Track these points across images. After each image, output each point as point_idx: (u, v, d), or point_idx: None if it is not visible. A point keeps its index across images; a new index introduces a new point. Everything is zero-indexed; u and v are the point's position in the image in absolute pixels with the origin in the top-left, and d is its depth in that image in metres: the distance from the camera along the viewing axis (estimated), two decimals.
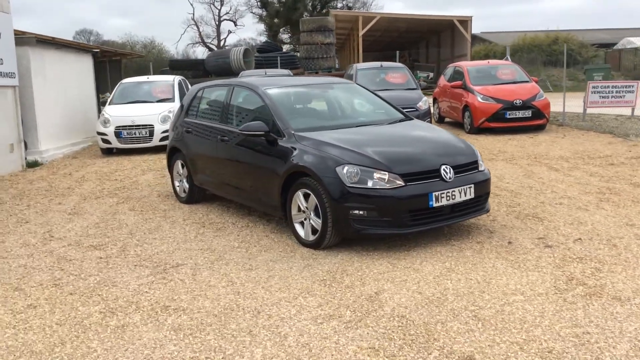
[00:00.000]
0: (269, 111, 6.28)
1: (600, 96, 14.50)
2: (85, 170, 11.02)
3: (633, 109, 14.90)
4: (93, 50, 15.81)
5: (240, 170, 6.60)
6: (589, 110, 15.02)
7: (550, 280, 4.54)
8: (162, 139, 12.61)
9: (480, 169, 5.81)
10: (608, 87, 14.61)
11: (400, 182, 5.25)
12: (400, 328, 3.80)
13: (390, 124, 6.50)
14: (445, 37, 37.60)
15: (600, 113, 15.87)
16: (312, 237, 5.64)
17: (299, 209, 5.78)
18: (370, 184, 5.26)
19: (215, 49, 74.84)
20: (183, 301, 4.44)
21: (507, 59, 17.22)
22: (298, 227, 5.82)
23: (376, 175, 5.28)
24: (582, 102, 14.83)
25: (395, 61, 17.97)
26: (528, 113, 12.84)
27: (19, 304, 4.54)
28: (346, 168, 5.33)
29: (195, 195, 7.75)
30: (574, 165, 9.31)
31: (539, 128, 13.36)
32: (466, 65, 14.44)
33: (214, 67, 21.28)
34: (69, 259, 5.66)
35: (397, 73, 13.77)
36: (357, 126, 6.29)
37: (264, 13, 67.13)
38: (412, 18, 32.76)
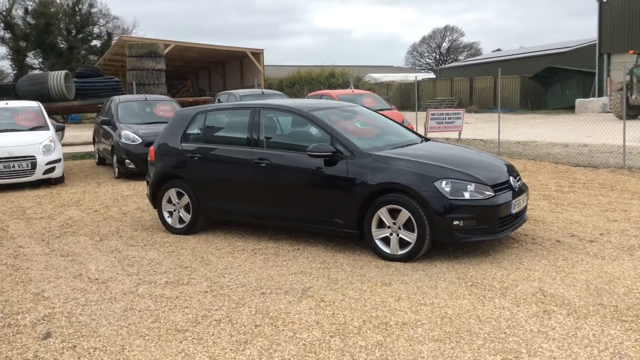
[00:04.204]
0: (326, 132, 6.40)
1: (437, 122, 16.72)
2: None
3: (460, 133, 17.42)
4: None
5: (291, 193, 6.55)
6: (428, 135, 17.15)
7: None
8: (46, 172, 11.24)
9: (521, 180, 6.73)
10: (442, 114, 16.93)
11: (490, 193, 5.89)
12: (630, 313, 4.43)
13: (422, 142, 7.09)
14: (231, 68, 38.54)
15: (432, 137, 18.19)
16: (401, 251, 5.95)
17: (379, 226, 6.05)
18: (467, 195, 5.81)
19: None
20: (390, 317, 4.50)
21: (351, 89, 18.70)
22: (379, 243, 6.07)
23: (469, 187, 5.85)
24: (424, 127, 16.88)
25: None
26: None
27: (221, 343, 4.14)
28: (444, 182, 5.81)
29: (197, 225, 7.36)
30: None
31: None
32: (335, 93, 15.47)
33: (28, 92, 19.07)
34: (172, 297, 5.15)
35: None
36: (406, 145, 6.75)
37: (9, 35, 60.79)
38: (205, 48, 33.04)
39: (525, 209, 6.53)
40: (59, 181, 11.72)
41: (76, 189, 11.16)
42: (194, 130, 7.42)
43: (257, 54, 33.26)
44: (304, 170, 6.41)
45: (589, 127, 17.83)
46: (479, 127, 22.80)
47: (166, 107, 13.53)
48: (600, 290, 4.93)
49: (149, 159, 7.83)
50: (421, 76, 61.33)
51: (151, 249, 6.79)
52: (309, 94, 16.99)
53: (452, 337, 4.11)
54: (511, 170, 6.51)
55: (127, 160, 11.87)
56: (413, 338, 4.11)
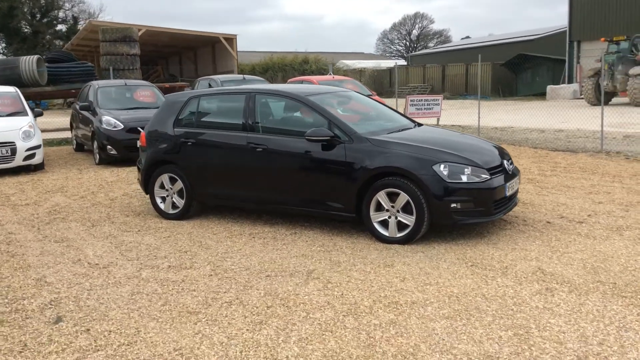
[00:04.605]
0: (323, 117, 6.44)
1: (416, 108, 16.84)
2: None
3: (438, 119, 17.61)
4: None
5: (289, 178, 6.59)
6: None
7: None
8: (26, 158, 11.05)
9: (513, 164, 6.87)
10: (421, 100, 17.07)
11: (486, 176, 6.02)
12: (628, 289, 4.59)
13: (415, 127, 7.18)
14: (203, 53, 38.14)
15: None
16: (399, 234, 6.05)
17: (377, 209, 6.14)
18: (464, 178, 5.92)
19: None
20: (399, 297, 4.60)
21: (331, 75, 18.71)
22: (378, 226, 6.16)
23: (466, 170, 5.96)
24: (403, 113, 16.99)
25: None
26: None
27: (236, 324, 4.19)
28: (442, 166, 5.91)
29: (191, 210, 7.35)
30: None
31: None
32: (316, 79, 15.48)
33: None
34: (177, 280, 5.17)
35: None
36: (401, 130, 6.84)
37: None
38: (177, 32, 32.63)
39: (517, 192, 6.68)
40: (39, 168, 11.54)
41: (58, 176, 11.00)
42: (187, 115, 7.38)
43: (231, 40, 32.99)
44: (301, 155, 6.45)
45: (563, 113, 18.19)
46: (454, 113, 23.07)
47: (146, 92, 13.39)
48: (597, 268, 5.10)
49: (139, 144, 7.76)
50: (392, 63, 61.69)
51: (146, 234, 6.77)
52: (289, 80, 16.96)
53: (462, 314, 4.22)
54: (503, 154, 6.64)
55: (109, 147, 11.73)
56: (424, 316, 4.22)
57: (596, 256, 5.42)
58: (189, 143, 7.17)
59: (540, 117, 17.56)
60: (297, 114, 6.89)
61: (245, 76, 15.10)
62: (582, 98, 25.24)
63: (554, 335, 3.84)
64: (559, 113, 18.42)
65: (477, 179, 5.94)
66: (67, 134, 16.67)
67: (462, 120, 18.63)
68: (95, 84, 13.35)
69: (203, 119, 7.33)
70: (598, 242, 5.87)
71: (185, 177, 7.21)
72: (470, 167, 5.97)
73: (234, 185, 6.98)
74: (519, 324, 4.04)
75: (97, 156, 12.11)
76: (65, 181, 10.42)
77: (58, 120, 21.41)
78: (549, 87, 31.17)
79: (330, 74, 18.86)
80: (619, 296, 4.46)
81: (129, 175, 10.75)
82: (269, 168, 6.67)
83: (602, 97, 12.37)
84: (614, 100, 23.30)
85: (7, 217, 7.85)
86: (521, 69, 37.34)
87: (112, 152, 11.72)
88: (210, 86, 13.12)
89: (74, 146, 14.74)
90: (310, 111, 6.62)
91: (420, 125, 7.47)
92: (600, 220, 6.66)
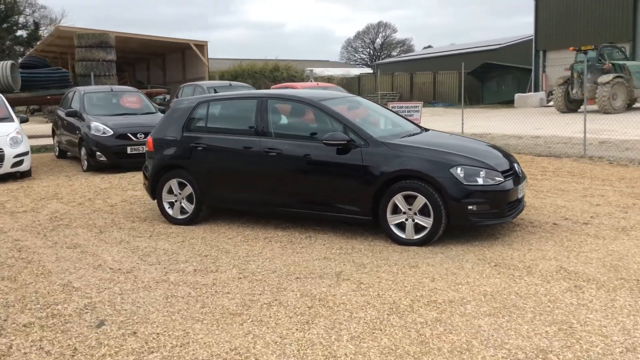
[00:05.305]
0: (338, 122, 6.54)
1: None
2: None
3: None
4: None
5: (304, 182, 6.65)
6: None
7: None
8: (14, 165, 10.84)
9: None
10: (402, 107, 17.27)
11: (500, 178, 6.20)
12: None
13: (423, 132, 7.34)
14: (172, 60, 37.81)
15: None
16: (417, 236, 6.17)
17: (393, 212, 6.26)
18: (480, 181, 6.09)
19: None
20: (435, 296, 4.71)
21: (312, 81, 18.79)
22: (395, 228, 6.27)
23: (481, 173, 6.13)
24: None
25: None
26: None
27: (283, 324, 4.23)
28: (459, 169, 6.07)
29: (200, 215, 7.35)
30: None
31: None
32: (301, 85, 15.56)
33: None
34: (208, 284, 5.18)
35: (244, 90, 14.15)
36: (412, 134, 6.98)
37: None
38: (147, 39, 32.31)
39: (524, 195, 6.88)
40: (26, 175, 11.32)
41: (48, 183, 10.81)
42: (197, 120, 7.38)
43: (202, 46, 32.84)
44: (317, 159, 6.52)
45: (535, 120, 18.69)
46: (427, 120, 23.33)
47: (133, 98, 13.27)
48: (616, 266, 5.30)
49: (146, 149, 7.72)
50: (358, 71, 62.33)
51: (159, 240, 6.73)
52: (273, 87, 16.99)
53: (502, 312, 4.35)
54: (510, 157, 6.84)
55: (98, 153, 11.58)
56: (466, 314, 4.33)
57: (611, 255, 5.63)
58: (199, 148, 7.17)
59: (514, 123, 17.99)
60: (311, 118, 6.95)
61: (232, 82, 15.09)
62: (550, 106, 25.93)
63: (596, 329, 4.00)
64: (531, 120, 18.91)
65: (491, 182, 6.11)
66: (44, 141, 16.39)
67: (438, 127, 18.86)
68: (81, 89, 13.17)
69: (214, 124, 7.34)
70: (608, 242, 6.09)
71: (195, 181, 7.20)
72: (484, 170, 6.14)
73: (246, 189, 7.00)
74: (560, 319, 4.18)
75: (85, 163, 11.93)
76: (56, 188, 10.24)
77: (25, 127, 20.90)
78: (517, 95, 31.91)
79: (311, 81, 18.94)
80: (618, 289, 4.67)
81: (122, 182, 10.63)
82: (282, 172, 6.73)
83: (584, 104, 12.82)
84: (583, 107, 23.96)
85: (8, 224, 7.70)
86: (487, 77, 38.12)
87: (101, 159, 11.57)
88: (215, 91, 12.92)
89: (57, 153, 14.48)
90: (324, 116, 6.70)
91: (427, 130, 7.63)
92: (604, 222, 6.91)
